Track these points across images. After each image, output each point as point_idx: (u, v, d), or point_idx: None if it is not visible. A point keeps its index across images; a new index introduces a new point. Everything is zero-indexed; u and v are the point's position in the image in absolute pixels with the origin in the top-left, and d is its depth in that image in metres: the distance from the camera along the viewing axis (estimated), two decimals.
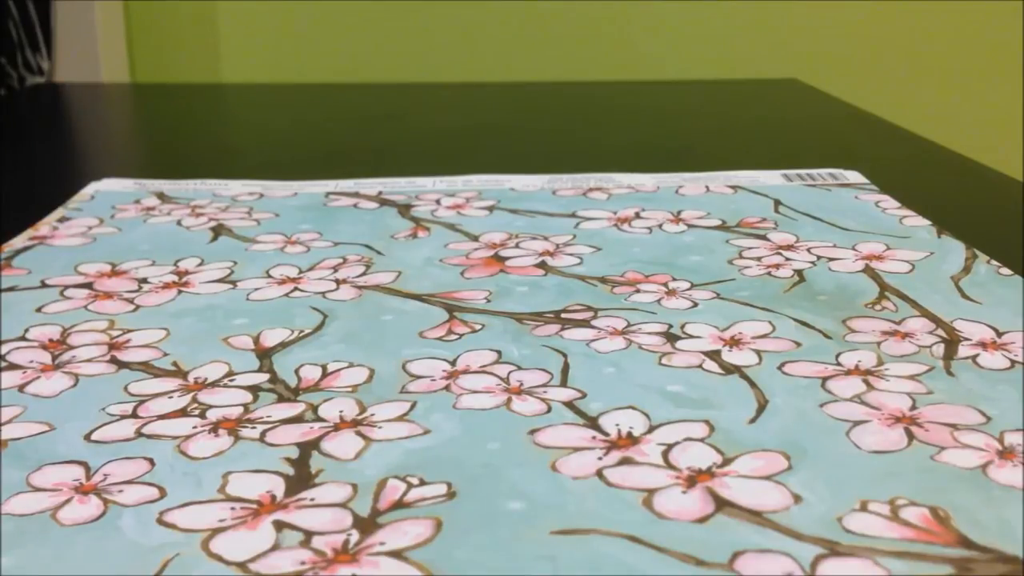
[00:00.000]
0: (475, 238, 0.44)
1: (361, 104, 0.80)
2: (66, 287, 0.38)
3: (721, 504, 0.24)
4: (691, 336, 0.33)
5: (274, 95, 0.88)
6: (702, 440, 0.26)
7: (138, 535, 0.23)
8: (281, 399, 0.29)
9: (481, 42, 1.33)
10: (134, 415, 0.28)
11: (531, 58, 1.32)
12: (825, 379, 0.30)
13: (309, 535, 0.23)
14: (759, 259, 0.41)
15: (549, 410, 0.28)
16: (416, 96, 0.83)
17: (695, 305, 0.36)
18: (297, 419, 0.28)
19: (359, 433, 0.27)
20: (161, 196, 0.51)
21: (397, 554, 0.22)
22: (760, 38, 1.33)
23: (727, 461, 0.25)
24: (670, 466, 0.25)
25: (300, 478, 0.25)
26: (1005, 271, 0.39)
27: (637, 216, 0.47)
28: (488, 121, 0.73)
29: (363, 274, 0.39)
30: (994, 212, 0.49)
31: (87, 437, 0.27)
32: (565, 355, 0.32)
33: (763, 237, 0.43)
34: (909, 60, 1.35)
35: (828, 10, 1.33)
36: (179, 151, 0.66)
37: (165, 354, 0.32)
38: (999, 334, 0.33)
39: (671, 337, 0.33)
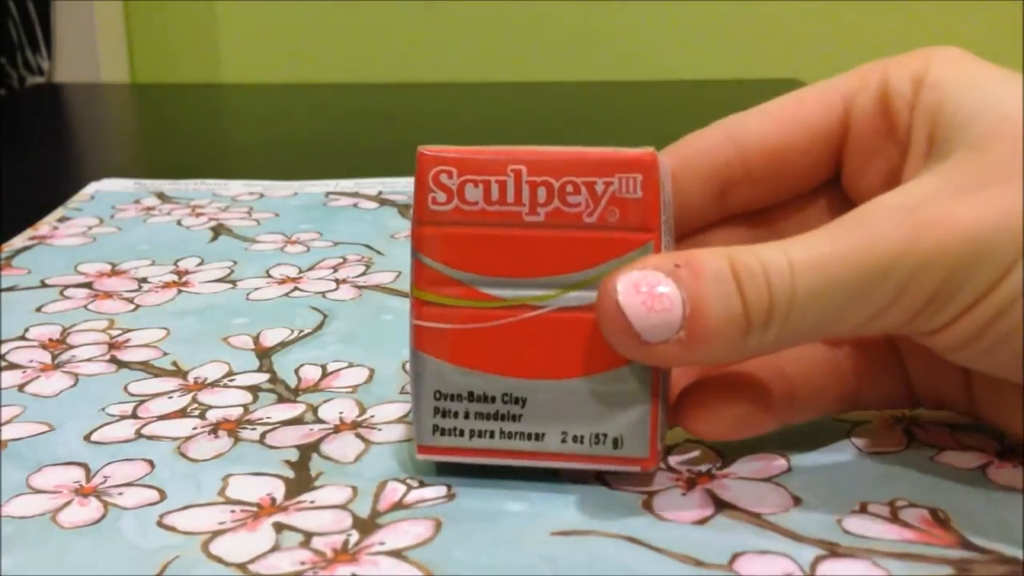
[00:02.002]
0: None
1: (361, 104, 0.80)
2: (66, 287, 0.38)
3: (721, 506, 0.24)
4: None
5: (274, 95, 0.88)
6: (702, 440, 0.26)
7: (138, 537, 0.23)
8: (281, 399, 0.29)
9: (481, 42, 1.32)
10: (134, 415, 0.28)
11: (531, 58, 1.32)
12: None
13: (309, 535, 0.23)
14: None
15: None
16: (416, 96, 0.83)
17: None
18: (297, 420, 0.28)
19: (359, 435, 0.27)
20: (161, 196, 0.51)
21: (397, 554, 0.22)
22: (760, 38, 1.33)
23: (727, 462, 0.25)
24: (670, 468, 0.25)
25: (300, 481, 0.25)
26: None
27: None
28: (488, 121, 0.73)
29: (363, 274, 0.39)
30: None
31: (87, 438, 0.27)
32: None
33: None
34: None
35: (828, 10, 1.33)
36: (179, 151, 0.66)
37: (165, 354, 0.32)
38: None
39: None
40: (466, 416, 0.23)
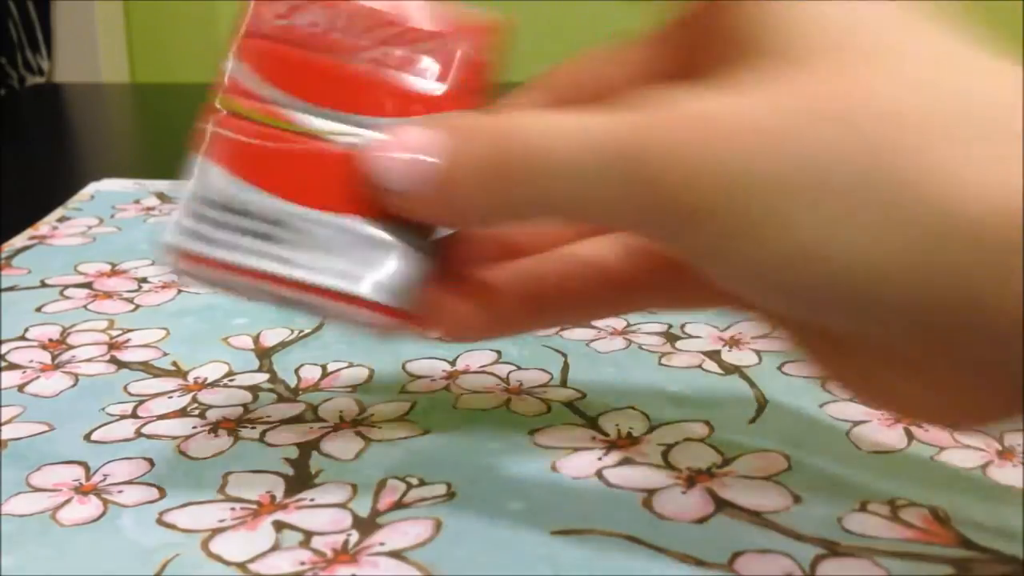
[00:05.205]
0: None
1: None
2: (66, 287, 0.38)
3: (721, 504, 0.24)
4: (691, 336, 0.33)
5: None
6: (702, 440, 0.26)
7: (138, 535, 0.23)
8: (281, 399, 0.29)
9: None
10: (134, 415, 0.28)
11: (531, 58, 1.32)
12: (825, 379, 0.30)
13: (309, 535, 0.23)
14: None
15: (549, 410, 0.28)
16: None
17: None
18: (297, 419, 0.28)
19: (359, 433, 0.27)
20: (161, 196, 0.50)
21: (397, 554, 0.22)
22: None
23: (727, 461, 0.25)
24: (670, 466, 0.25)
25: (300, 478, 0.25)
26: None
27: None
28: None
29: None
30: None
31: (87, 437, 0.27)
32: (565, 355, 0.32)
33: None
34: None
35: None
36: (179, 151, 0.66)
37: (165, 354, 0.32)
38: None
39: (671, 337, 0.33)
40: (225, 227, 0.23)
